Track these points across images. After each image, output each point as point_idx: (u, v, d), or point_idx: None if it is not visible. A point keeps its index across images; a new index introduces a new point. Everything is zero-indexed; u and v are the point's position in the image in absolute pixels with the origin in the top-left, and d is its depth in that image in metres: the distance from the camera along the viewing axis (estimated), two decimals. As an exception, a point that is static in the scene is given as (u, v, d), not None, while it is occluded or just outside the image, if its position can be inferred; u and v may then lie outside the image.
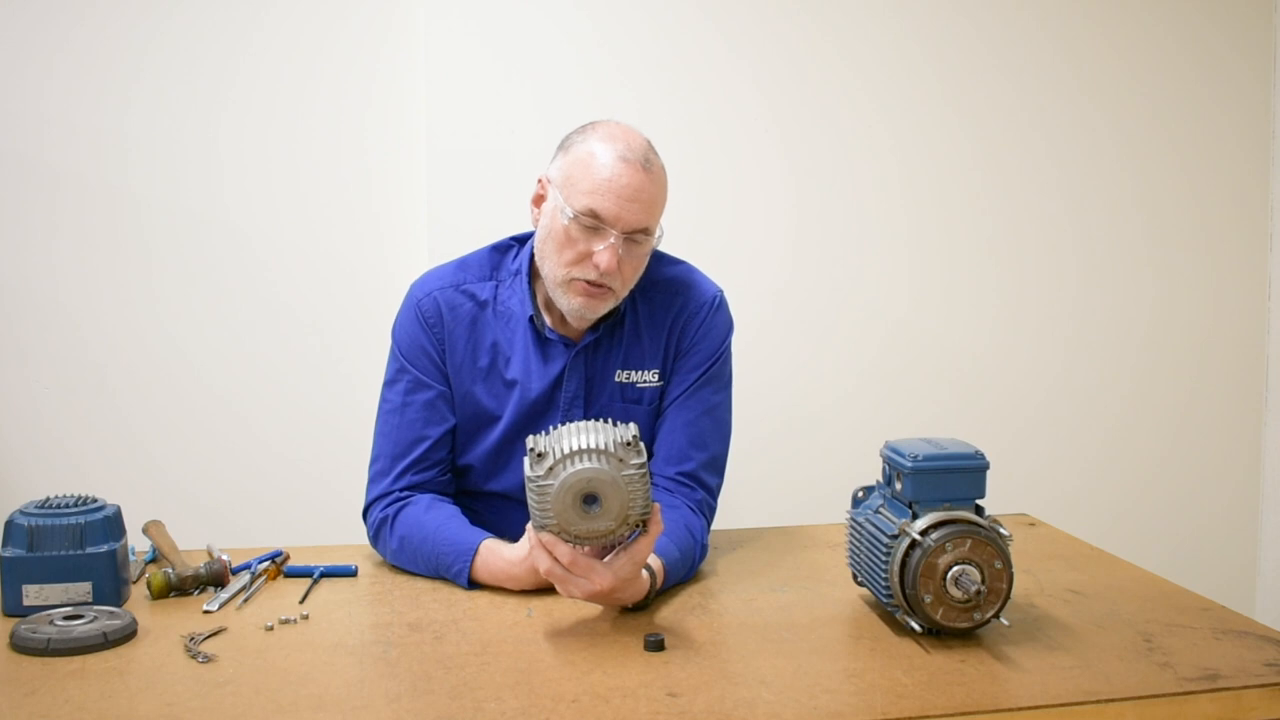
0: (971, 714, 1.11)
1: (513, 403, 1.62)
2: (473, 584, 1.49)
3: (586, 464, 1.26)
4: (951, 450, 1.33)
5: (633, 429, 1.30)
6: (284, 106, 2.34)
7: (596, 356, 1.64)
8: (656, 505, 1.33)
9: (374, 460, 1.65)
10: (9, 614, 1.35)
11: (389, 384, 1.66)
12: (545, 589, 1.42)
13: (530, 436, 1.30)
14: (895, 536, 1.31)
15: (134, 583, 1.50)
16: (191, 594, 1.46)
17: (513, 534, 1.49)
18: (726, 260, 2.07)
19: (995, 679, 1.20)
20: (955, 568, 1.26)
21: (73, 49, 2.25)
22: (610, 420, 1.33)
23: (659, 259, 1.68)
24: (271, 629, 1.33)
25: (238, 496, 2.36)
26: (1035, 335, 2.63)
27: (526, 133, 2.33)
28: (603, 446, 1.27)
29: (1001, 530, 1.30)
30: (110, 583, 1.38)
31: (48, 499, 1.42)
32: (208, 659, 1.23)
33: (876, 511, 1.39)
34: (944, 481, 1.32)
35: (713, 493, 1.65)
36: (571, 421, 1.35)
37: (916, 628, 1.29)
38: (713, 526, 1.66)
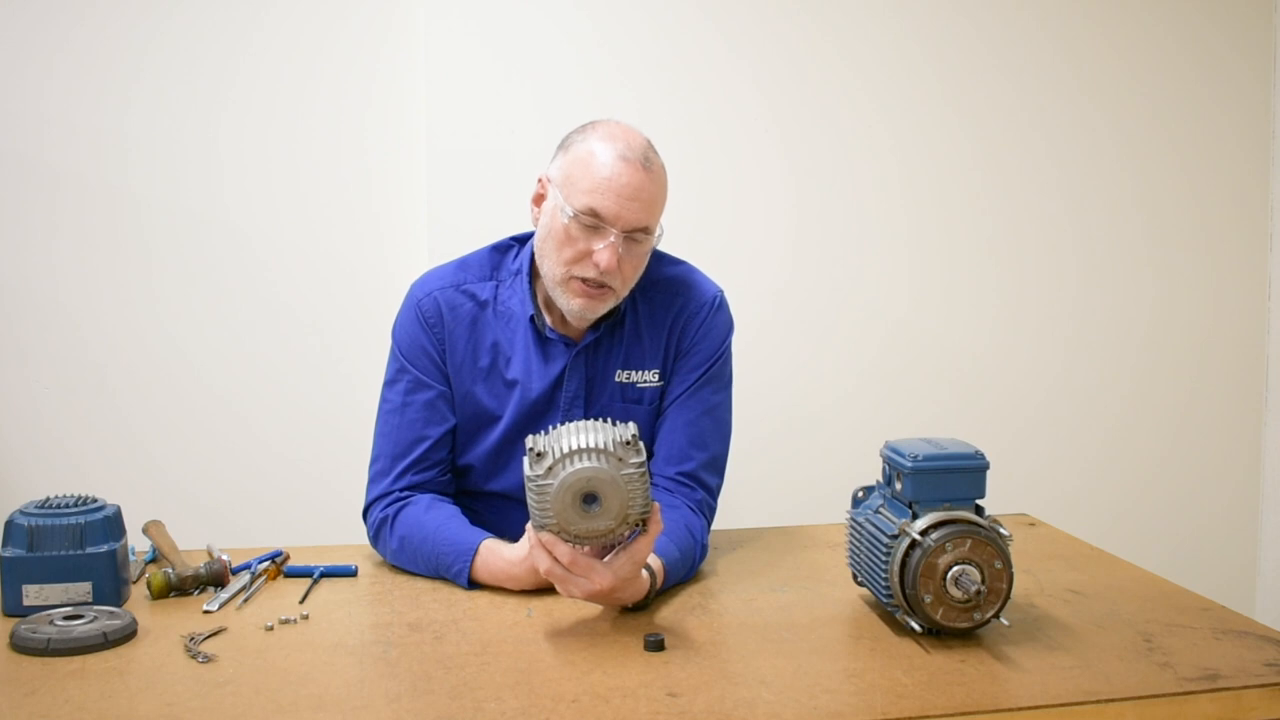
0: (971, 714, 1.11)
1: (513, 403, 1.62)
2: (473, 584, 1.49)
3: (586, 463, 1.26)
4: (951, 450, 1.33)
5: (632, 428, 1.30)
6: (284, 106, 2.34)
7: (597, 356, 1.64)
8: (656, 505, 1.33)
9: (374, 460, 1.65)
10: (9, 614, 1.35)
11: (389, 384, 1.66)
12: (545, 589, 1.42)
13: (530, 436, 1.30)
14: (895, 536, 1.31)
15: (134, 583, 1.50)
16: (191, 594, 1.46)
17: (513, 534, 1.49)
18: (726, 260, 2.07)
19: (995, 679, 1.20)
20: (955, 568, 1.26)
21: (73, 49, 2.25)
22: (610, 420, 1.33)
23: (659, 259, 1.68)
24: (271, 629, 1.33)
25: (238, 496, 2.36)
26: (1035, 335, 2.63)
27: (526, 133, 2.33)
28: (602, 446, 1.27)
29: (1001, 530, 1.30)
30: (110, 583, 1.38)
31: (48, 499, 1.42)
32: (208, 659, 1.23)
33: (876, 511, 1.39)
34: (944, 481, 1.32)
35: (713, 493, 1.65)
36: (571, 421, 1.35)
37: (916, 628, 1.29)
38: (713, 526, 1.66)
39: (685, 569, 1.51)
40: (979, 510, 1.33)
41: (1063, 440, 2.66)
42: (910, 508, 1.33)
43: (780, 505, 2.41)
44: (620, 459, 1.27)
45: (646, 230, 1.53)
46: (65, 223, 2.29)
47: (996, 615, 1.28)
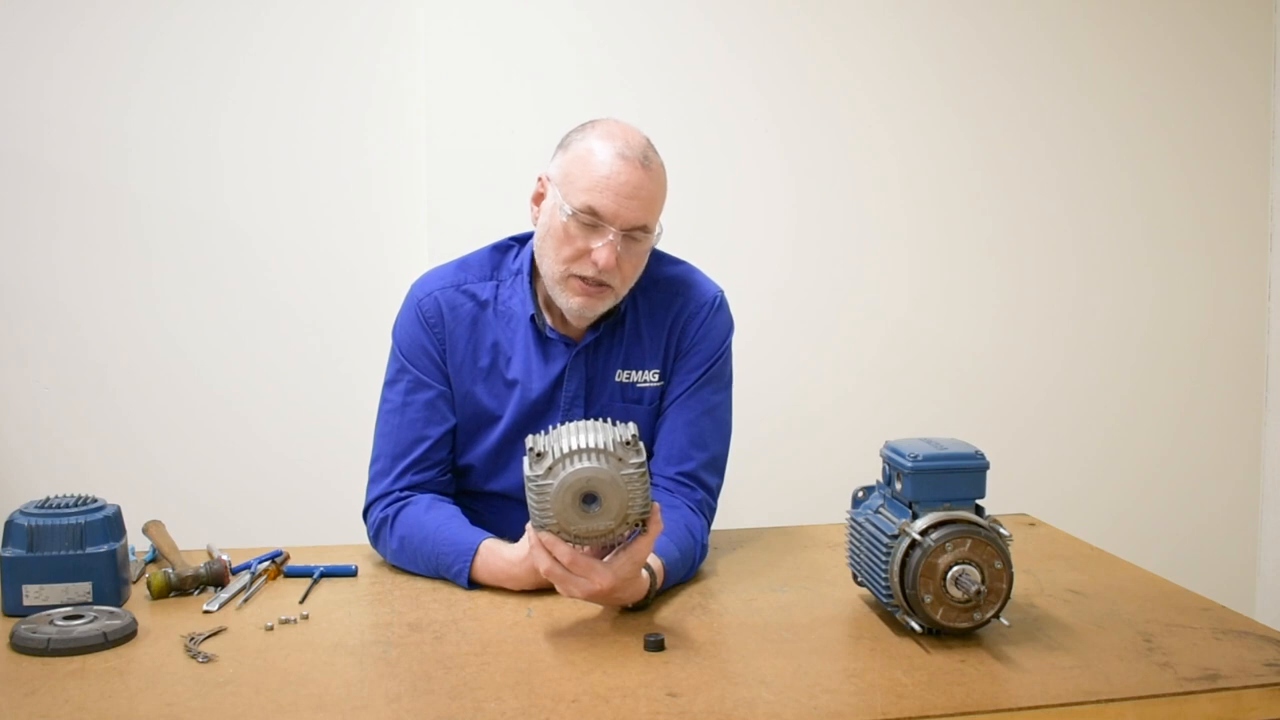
0: (971, 714, 1.11)
1: (513, 402, 1.62)
2: (473, 584, 1.49)
3: (586, 463, 1.26)
4: (951, 450, 1.33)
5: (632, 428, 1.30)
6: (284, 106, 2.34)
7: (597, 356, 1.64)
8: (656, 505, 1.33)
9: (374, 460, 1.65)
10: (9, 614, 1.35)
11: (389, 384, 1.66)
12: (545, 589, 1.42)
13: (530, 436, 1.30)
14: (895, 536, 1.31)
15: (134, 583, 1.50)
16: (191, 594, 1.46)
17: (513, 534, 1.49)
18: (726, 260, 2.07)
19: (995, 679, 1.20)
20: (955, 568, 1.26)
21: (73, 49, 2.25)
22: (610, 420, 1.33)
23: (659, 259, 1.68)
24: (271, 629, 1.33)
25: (238, 496, 2.36)
26: (1035, 335, 2.63)
27: (526, 133, 2.33)
28: (602, 446, 1.27)
29: (1001, 530, 1.30)
30: (110, 583, 1.38)
31: (48, 499, 1.42)
32: (208, 659, 1.23)
33: (876, 511, 1.39)
34: (944, 481, 1.32)
35: (713, 493, 1.65)
36: (571, 421, 1.35)
37: (916, 628, 1.29)
38: (713, 526, 1.66)
39: (685, 569, 1.51)
40: (979, 510, 1.33)
41: (1063, 440, 2.66)
42: (910, 508, 1.33)
43: (780, 505, 2.41)
44: (620, 459, 1.27)
45: (645, 229, 1.53)
46: (65, 223, 2.29)
47: (996, 615, 1.28)
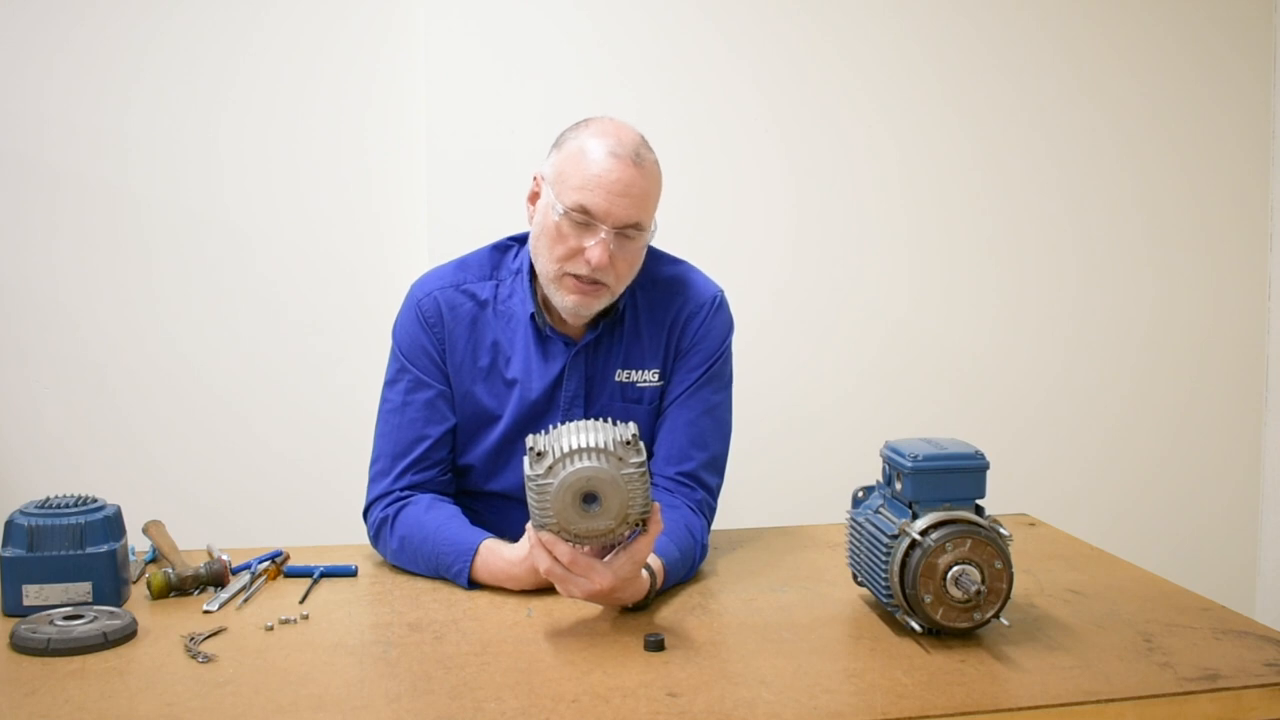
0: (971, 714, 1.11)
1: (513, 402, 1.62)
2: (473, 584, 1.49)
3: (586, 463, 1.26)
4: (951, 450, 1.33)
5: (632, 428, 1.30)
6: (284, 106, 2.34)
7: (596, 356, 1.64)
8: (656, 504, 1.33)
9: (374, 460, 1.65)
10: (9, 614, 1.35)
11: (389, 384, 1.66)
12: (545, 589, 1.42)
13: (530, 435, 1.30)
14: (895, 536, 1.31)
15: (134, 583, 1.50)
16: (191, 594, 1.46)
17: (513, 534, 1.49)
18: (726, 260, 2.07)
19: (995, 679, 1.20)
20: (955, 568, 1.26)
21: (73, 49, 2.25)
22: (610, 419, 1.33)
23: (659, 258, 1.68)
24: (271, 629, 1.33)
25: (238, 496, 2.36)
26: (1035, 335, 2.63)
27: (526, 133, 2.33)
28: (602, 445, 1.27)
29: (1001, 530, 1.30)
30: (110, 583, 1.38)
31: (48, 499, 1.42)
32: (208, 659, 1.23)
33: (876, 511, 1.39)
34: (944, 481, 1.32)
35: (713, 493, 1.65)
36: (571, 421, 1.35)
37: (916, 628, 1.29)
38: (713, 526, 1.66)
39: (685, 569, 1.51)
40: (979, 510, 1.33)
41: (1063, 440, 2.66)
42: (910, 508, 1.33)
43: (780, 505, 2.41)
44: (620, 458, 1.27)
45: (638, 226, 1.53)
46: (65, 223, 2.29)
47: (996, 615, 1.28)
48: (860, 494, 1.46)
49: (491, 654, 1.26)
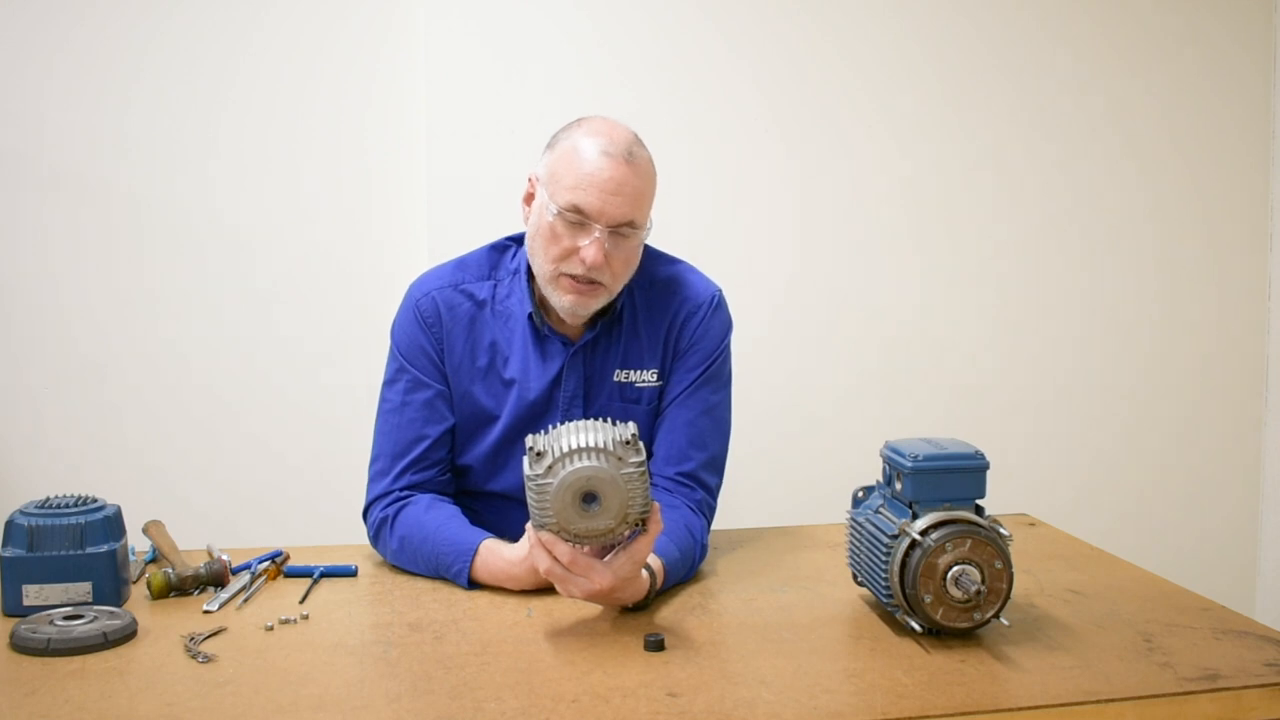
0: (971, 714, 1.11)
1: (511, 402, 1.62)
2: (473, 584, 1.49)
3: (585, 462, 1.26)
4: (951, 450, 1.33)
5: (631, 428, 1.30)
6: (284, 106, 2.34)
7: (595, 356, 1.64)
8: (655, 504, 1.33)
9: (374, 460, 1.65)
10: (9, 614, 1.35)
11: (388, 384, 1.66)
12: (545, 589, 1.42)
13: (529, 435, 1.30)
14: (895, 536, 1.31)
15: (134, 583, 1.50)
16: (191, 594, 1.46)
17: (513, 534, 1.49)
18: (727, 260, 2.07)
19: (995, 679, 1.19)
20: (955, 568, 1.26)
21: (73, 49, 2.25)
22: (609, 419, 1.33)
23: (657, 259, 1.68)
24: (271, 629, 1.33)
25: (237, 497, 2.36)
26: (1035, 336, 2.63)
27: (526, 133, 2.32)
28: (601, 445, 1.27)
29: (1001, 530, 1.30)
30: (110, 583, 1.38)
31: (48, 499, 1.42)
32: (208, 659, 1.23)
33: (876, 511, 1.39)
34: (944, 481, 1.32)
35: (712, 492, 1.65)
36: (571, 421, 1.35)
37: (916, 628, 1.29)
38: (713, 526, 1.66)
39: (685, 569, 1.51)
40: (979, 510, 1.33)
41: (1063, 440, 2.66)
42: (910, 508, 1.33)
43: (780, 505, 2.41)
44: (620, 458, 1.27)
45: (633, 224, 1.53)
46: (65, 223, 2.29)
47: (996, 615, 1.28)
48: (860, 494, 1.46)
49: (491, 654, 1.26)
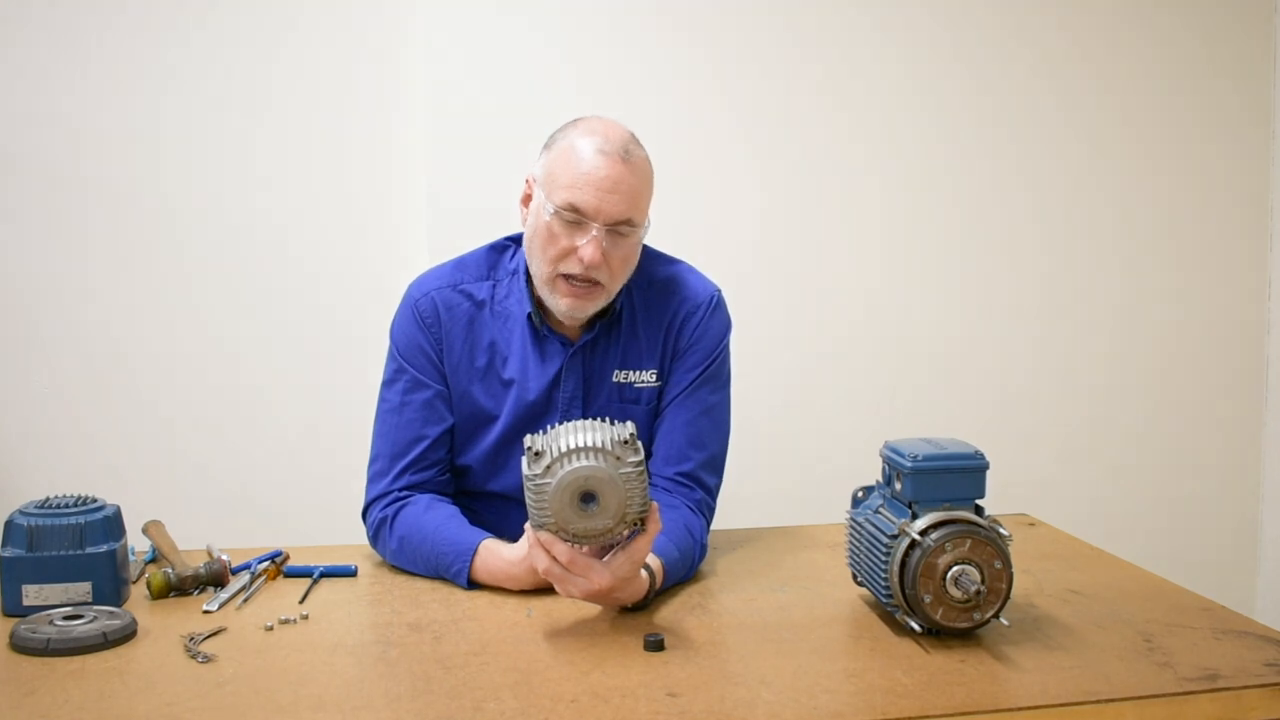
0: (971, 714, 1.11)
1: (510, 402, 1.62)
2: (472, 584, 1.49)
3: (584, 462, 1.26)
4: (951, 450, 1.33)
5: (629, 427, 1.30)
6: (284, 106, 2.34)
7: (594, 356, 1.64)
8: (654, 504, 1.33)
9: (373, 460, 1.65)
10: (9, 614, 1.35)
11: (387, 384, 1.66)
12: (545, 589, 1.42)
13: (528, 435, 1.30)
14: (895, 536, 1.30)
15: (134, 583, 1.50)
16: (191, 594, 1.46)
17: (512, 534, 1.49)
18: (726, 260, 2.06)
19: (995, 679, 1.19)
20: (955, 568, 1.26)
21: (70, 48, 2.25)
22: (608, 419, 1.33)
23: (655, 259, 1.68)
24: (271, 629, 1.33)
25: (238, 496, 2.36)
26: (1035, 336, 2.63)
27: (526, 133, 2.31)
28: (600, 445, 1.27)
29: (1001, 530, 1.30)
30: (110, 583, 1.38)
31: (48, 499, 1.42)
32: (208, 659, 1.23)
33: (876, 511, 1.39)
34: (944, 481, 1.32)
35: (712, 492, 1.65)
36: (569, 421, 1.35)
37: (916, 628, 1.29)
38: (713, 526, 1.66)
39: (684, 569, 1.51)
40: (979, 510, 1.33)
41: (1063, 440, 2.65)
42: (910, 508, 1.32)
43: (780, 505, 2.41)
44: (618, 458, 1.27)
45: (630, 223, 1.53)
46: (65, 223, 2.29)
47: (996, 615, 1.28)
48: (860, 494, 1.46)
49: (491, 654, 1.26)
